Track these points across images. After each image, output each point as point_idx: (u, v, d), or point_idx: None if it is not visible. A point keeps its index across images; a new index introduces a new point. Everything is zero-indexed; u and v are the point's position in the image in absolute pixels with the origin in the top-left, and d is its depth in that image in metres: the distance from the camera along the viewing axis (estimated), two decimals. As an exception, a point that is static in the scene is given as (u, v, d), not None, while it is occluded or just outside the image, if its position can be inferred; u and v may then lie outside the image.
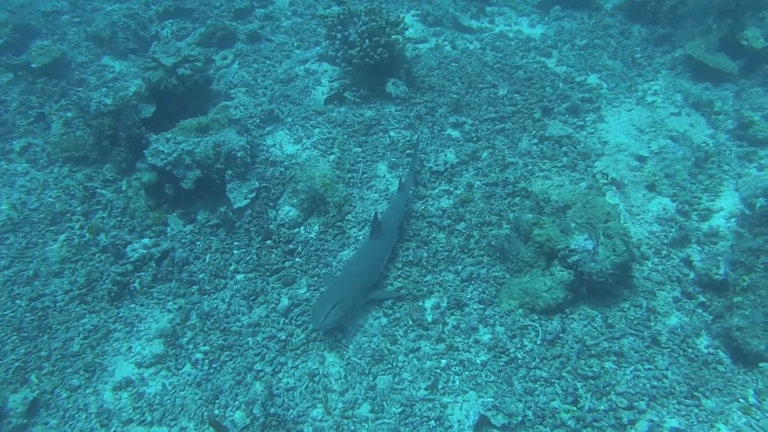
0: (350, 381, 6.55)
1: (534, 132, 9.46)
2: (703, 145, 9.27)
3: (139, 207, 8.85)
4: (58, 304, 7.77)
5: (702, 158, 9.02)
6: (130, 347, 7.24)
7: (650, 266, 7.60)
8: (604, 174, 8.71)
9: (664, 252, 7.78)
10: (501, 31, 11.54)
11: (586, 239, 6.90)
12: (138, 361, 7.06)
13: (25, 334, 7.46)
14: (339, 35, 10.34)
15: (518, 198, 8.44)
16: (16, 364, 7.14)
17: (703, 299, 7.16)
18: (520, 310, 7.04)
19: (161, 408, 6.57)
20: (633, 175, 8.70)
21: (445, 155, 9.14)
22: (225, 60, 11.63)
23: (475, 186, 8.70)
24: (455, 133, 9.60)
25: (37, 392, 6.83)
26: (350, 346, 6.92)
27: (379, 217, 7.63)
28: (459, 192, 8.65)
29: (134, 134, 8.78)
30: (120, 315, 7.58)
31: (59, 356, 7.19)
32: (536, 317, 6.95)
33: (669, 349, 6.63)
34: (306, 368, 6.75)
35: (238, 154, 8.61)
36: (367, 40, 9.88)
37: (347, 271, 7.41)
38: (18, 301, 7.83)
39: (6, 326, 7.56)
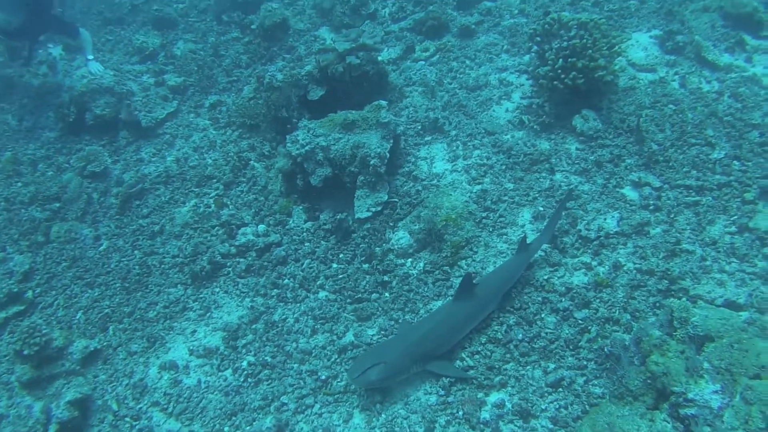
0: (359, 456, 5.71)
1: (735, 217, 7.07)
2: None
3: (274, 191, 8.79)
4: (162, 266, 8.12)
5: None
6: (195, 331, 7.26)
7: (811, 465, 5.18)
8: (806, 305, 6.20)
9: None
10: (754, 75, 8.77)
11: (715, 392, 4.90)
12: (192, 347, 7.04)
13: (127, 285, 7.95)
14: (535, 47, 8.89)
15: (672, 300, 6.41)
16: (107, 310, 7.65)
17: None
18: (595, 453, 5.38)
19: (185, 403, 6.49)
20: None
21: (605, 219, 7.36)
22: (425, 52, 10.89)
23: (624, 268, 6.85)
24: (632, 194, 7.66)
25: (103, 344, 7.24)
26: (383, 415, 6.00)
27: (475, 278, 6.45)
28: (601, 270, 6.91)
29: (281, 116, 8.64)
30: (201, 295, 7.64)
31: (138, 317, 7.53)
32: (610, 471, 5.24)
33: None
34: (328, 421, 6.05)
35: (371, 162, 7.95)
36: (560, 60, 8.31)
37: (415, 329, 6.39)
38: (136, 252, 8.38)
39: (117, 272, 8.15)
